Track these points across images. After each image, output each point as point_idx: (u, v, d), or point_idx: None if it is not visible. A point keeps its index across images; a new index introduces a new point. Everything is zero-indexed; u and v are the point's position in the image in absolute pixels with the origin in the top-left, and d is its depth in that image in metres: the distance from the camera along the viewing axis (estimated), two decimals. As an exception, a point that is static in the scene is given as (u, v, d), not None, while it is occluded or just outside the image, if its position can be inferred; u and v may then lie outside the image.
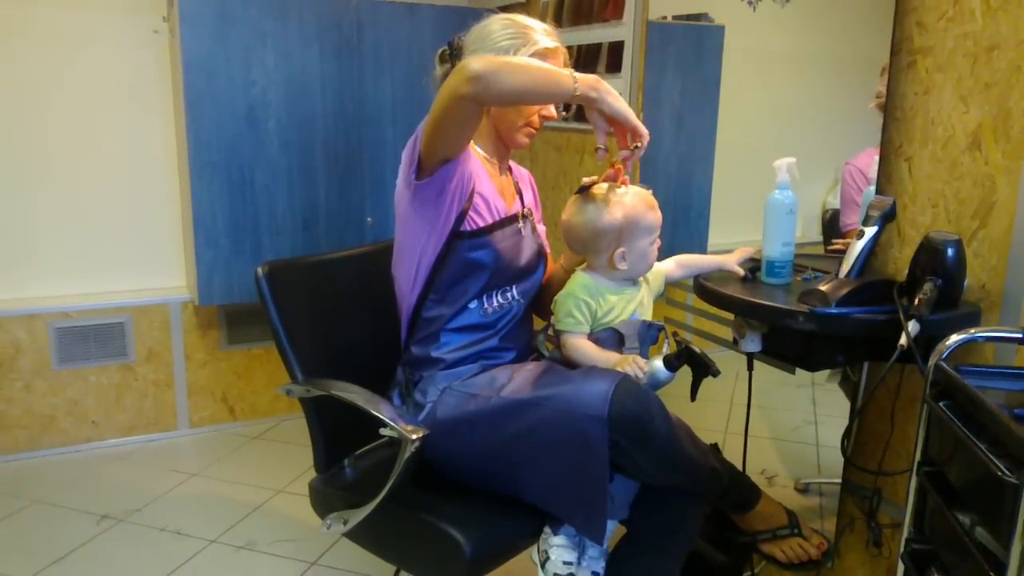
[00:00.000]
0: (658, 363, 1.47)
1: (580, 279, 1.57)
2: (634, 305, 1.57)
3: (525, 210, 1.67)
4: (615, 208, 1.51)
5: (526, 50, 1.53)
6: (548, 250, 1.73)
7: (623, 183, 1.54)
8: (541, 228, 1.73)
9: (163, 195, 3.00)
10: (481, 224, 1.54)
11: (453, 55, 1.63)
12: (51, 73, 2.77)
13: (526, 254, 1.62)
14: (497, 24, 1.58)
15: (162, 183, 2.99)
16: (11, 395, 2.75)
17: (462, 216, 1.52)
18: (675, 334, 1.55)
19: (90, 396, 2.87)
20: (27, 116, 2.76)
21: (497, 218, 1.58)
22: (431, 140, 1.45)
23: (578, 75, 1.42)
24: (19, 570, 2.13)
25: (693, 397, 1.55)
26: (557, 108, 1.63)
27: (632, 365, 1.45)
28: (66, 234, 2.88)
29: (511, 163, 1.76)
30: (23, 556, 2.19)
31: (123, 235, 2.97)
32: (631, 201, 1.52)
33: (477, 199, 1.54)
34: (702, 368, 1.47)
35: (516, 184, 1.72)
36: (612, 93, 1.45)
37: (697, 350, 1.46)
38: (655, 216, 1.54)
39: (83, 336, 2.82)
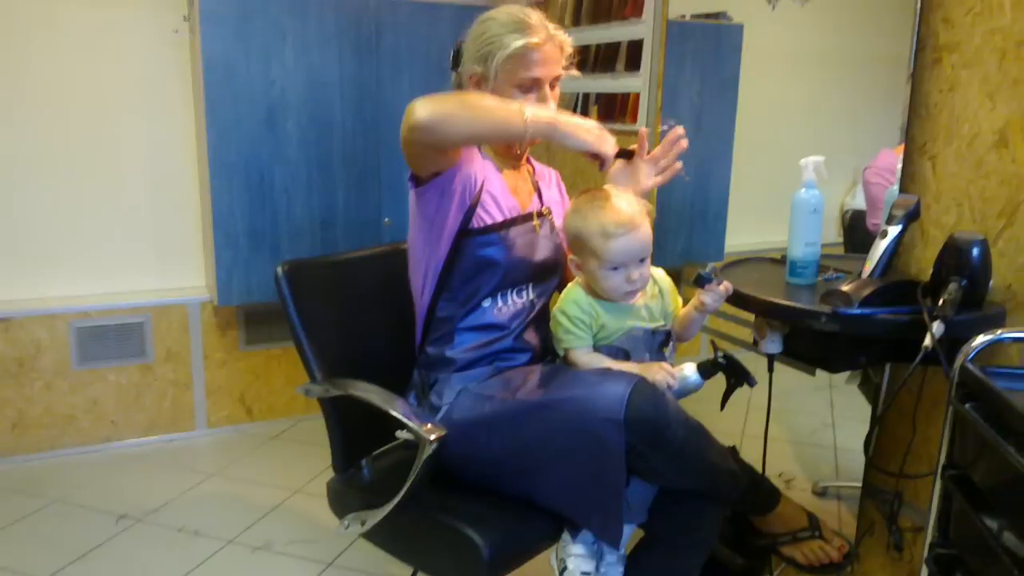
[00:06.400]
0: (689, 370, 1.45)
1: (570, 294, 1.54)
2: (632, 321, 1.52)
3: (543, 208, 1.66)
4: (576, 217, 1.49)
5: (503, 53, 1.51)
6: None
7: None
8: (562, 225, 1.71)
9: (183, 195, 3.01)
10: (490, 222, 1.54)
11: (457, 62, 1.64)
12: (72, 72, 2.78)
13: (542, 253, 1.61)
14: (482, 27, 1.57)
15: (182, 183, 3.00)
16: (32, 395, 2.77)
17: (470, 213, 1.52)
18: (712, 342, 1.53)
19: (109, 396, 2.88)
20: (47, 115, 2.77)
21: (508, 216, 1.57)
22: (409, 162, 1.48)
23: (532, 115, 1.41)
24: (38, 569, 2.14)
25: (723, 406, 1.53)
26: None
27: (662, 373, 1.43)
28: (86, 234, 2.90)
29: (534, 162, 1.75)
30: (42, 555, 2.21)
31: (143, 235, 2.99)
32: (593, 218, 1.46)
33: (486, 196, 1.54)
34: (741, 377, 1.46)
35: (536, 183, 1.71)
36: (572, 132, 1.44)
37: (731, 359, 1.45)
38: (609, 245, 1.43)
39: (103, 336, 2.83)
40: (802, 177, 1.67)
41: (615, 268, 1.45)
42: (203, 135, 2.73)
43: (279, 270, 1.58)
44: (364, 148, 2.92)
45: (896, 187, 1.73)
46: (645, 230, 1.46)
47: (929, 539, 1.29)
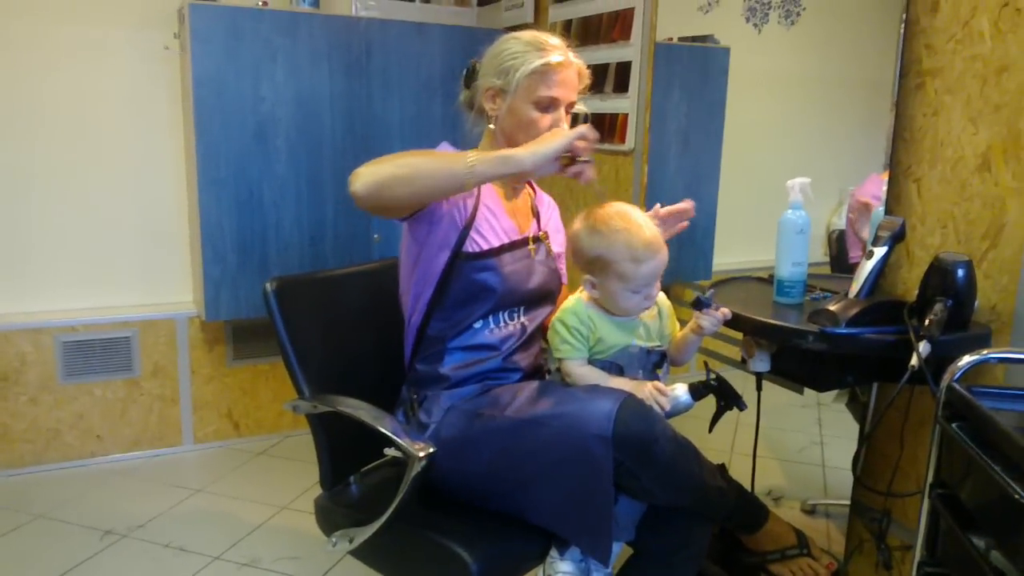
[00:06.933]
0: (680, 391, 1.45)
1: (570, 305, 1.55)
2: (631, 337, 1.53)
3: (540, 233, 1.66)
4: (597, 238, 1.47)
5: (525, 68, 1.51)
6: (564, 277, 1.72)
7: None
8: (558, 251, 1.71)
9: (171, 210, 3.01)
10: (485, 247, 1.54)
11: (470, 79, 1.64)
12: (62, 87, 2.78)
13: (536, 279, 1.61)
14: (504, 44, 1.58)
15: (170, 198, 3.00)
16: (16, 409, 2.74)
17: (465, 234, 1.52)
18: (705, 363, 1.53)
19: (95, 411, 2.86)
20: (37, 130, 2.77)
21: (505, 240, 1.57)
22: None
23: (477, 158, 1.37)
24: (21, 586, 2.12)
25: (711, 428, 1.54)
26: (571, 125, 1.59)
27: (652, 393, 1.44)
28: (74, 248, 2.89)
29: (536, 186, 1.75)
30: (26, 571, 2.18)
31: (131, 250, 2.98)
32: (619, 241, 1.45)
33: (481, 221, 1.54)
34: (731, 400, 1.47)
35: (535, 207, 1.71)
36: (530, 149, 1.40)
37: (723, 382, 1.46)
38: (638, 270, 1.44)
39: (89, 350, 2.81)
40: (789, 198, 1.69)
41: (637, 290, 1.47)
42: (192, 151, 2.73)
43: (268, 286, 1.58)
44: (354, 164, 2.84)
45: (882, 208, 1.75)
46: (665, 249, 1.49)
47: (917, 558, 1.30)
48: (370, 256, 2.97)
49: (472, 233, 1.52)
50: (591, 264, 1.50)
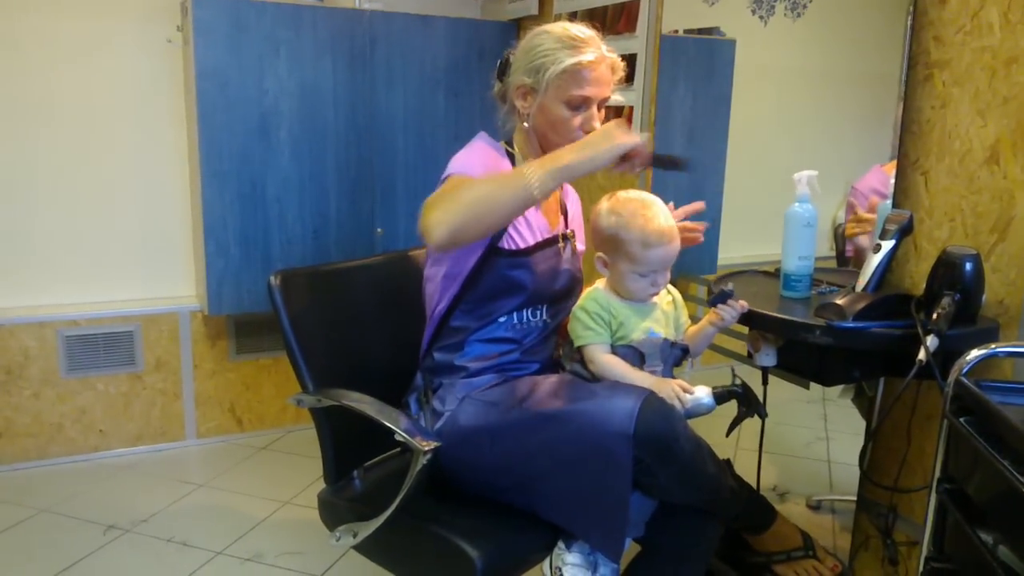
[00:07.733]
0: (703, 393, 1.45)
1: (590, 293, 1.56)
2: (649, 322, 1.54)
3: (568, 231, 1.65)
4: (615, 218, 1.49)
5: (556, 68, 1.48)
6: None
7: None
8: (581, 248, 1.71)
9: (174, 204, 3.00)
10: (522, 245, 1.53)
11: (503, 71, 1.61)
12: (64, 81, 2.77)
13: (562, 278, 1.61)
14: (536, 40, 1.54)
15: (173, 192, 2.99)
16: (19, 403, 2.74)
17: (502, 232, 1.50)
18: (732, 369, 1.53)
19: (98, 405, 2.86)
20: (40, 124, 2.76)
21: (539, 239, 1.56)
22: None
23: (537, 177, 1.33)
24: (25, 579, 2.12)
25: (729, 433, 1.54)
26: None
27: (674, 391, 1.43)
28: (76, 242, 2.88)
29: None
30: (29, 566, 2.18)
31: (133, 244, 2.97)
32: (634, 224, 1.47)
33: (519, 218, 1.52)
34: (753, 408, 1.47)
35: (563, 201, 1.70)
36: (588, 156, 1.37)
37: (748, 389, 1.46)
38: (646, 254, 1.47)
39: (92, 344, 2.81)
40: (796, 191, 1.68)
41: (644, 274, 1.49)
42: (195, 144, 2.72)
43: (272, 280, 1.57)
44: (357, 158, 2.92)
45: (889, 202, 1.74)
46: (678, 241, 1.51)
47: (924, 553, 1.29)
48: (373, 249, 2.96)
49: (510, 230, 1.51)
50: (605, 242, 1.52)
